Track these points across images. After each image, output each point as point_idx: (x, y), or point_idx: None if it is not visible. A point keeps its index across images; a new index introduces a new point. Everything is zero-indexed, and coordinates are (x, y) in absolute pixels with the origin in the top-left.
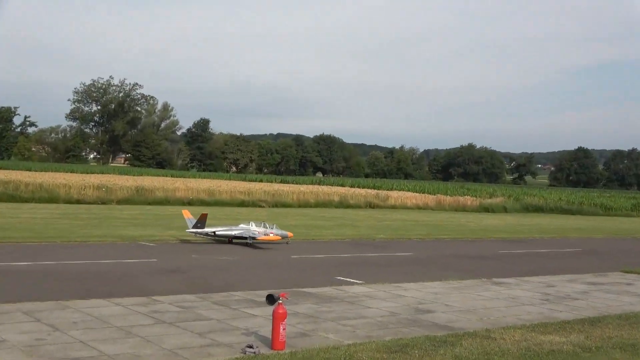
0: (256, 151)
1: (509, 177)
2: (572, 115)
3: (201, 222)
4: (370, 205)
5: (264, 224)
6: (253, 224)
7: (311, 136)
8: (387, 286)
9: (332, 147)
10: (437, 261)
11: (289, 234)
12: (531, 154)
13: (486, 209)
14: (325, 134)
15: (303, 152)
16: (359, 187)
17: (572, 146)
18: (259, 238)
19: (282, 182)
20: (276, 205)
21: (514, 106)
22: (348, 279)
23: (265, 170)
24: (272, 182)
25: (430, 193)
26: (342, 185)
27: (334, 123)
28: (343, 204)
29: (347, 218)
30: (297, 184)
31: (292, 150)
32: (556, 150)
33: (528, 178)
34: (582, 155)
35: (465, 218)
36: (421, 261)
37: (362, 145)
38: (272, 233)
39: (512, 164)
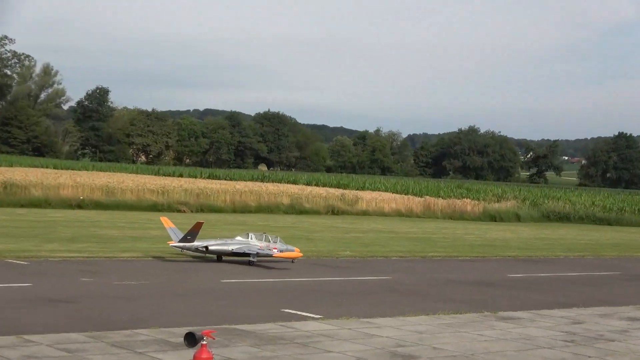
0: (175, 134)
1: (524, 174)
2: (611, 88)
3: (193, 233)
4: (333, 211)
5: (265, 235)
6: (253, 237)
7: (252, 114)
8: (353, 322)
9: (280, 129)
10: (423, 288)
11: (296, 250)
12: (555, 141)
13: (492, 217)
14: (271, 111)
15: (241, 135)
16: (317, 185)
17: (610, 132)
18: (276, 255)
19: (210, 177)
20: (202, 209)
21: (532, 75)
22: (300, 312)
23: (188, 160)
24: (196, 176)
25: (416, 194)
26: (295, 183)
27: (283, 96)
28: (295, 209)
29: (300, 228)
30: (231, 179)
31: (225, 133)
32: (589, 137)
33: (550, 175)
34: (623, 144)
35: (463, 229)
36: (401, 288)
37: (323, 127)
38: (275, 249)
39: (529, 156)
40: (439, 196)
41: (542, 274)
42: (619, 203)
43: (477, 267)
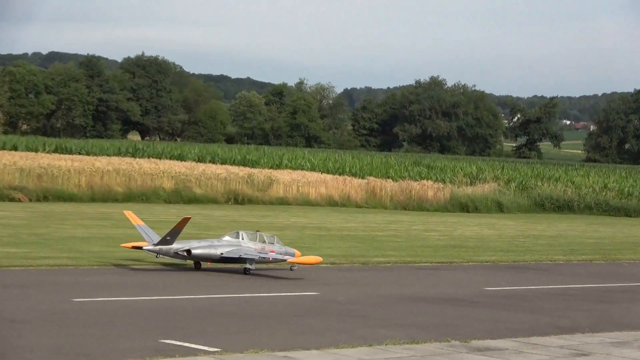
0: (4, 88)
1: (508, 145)
2: (631, 23)
3: (174, 233)
4: (237, 199)
5: (260, 235)
6: (245, 236)
7: (118, 60)
8: (264, 357)
9: (160, 82)
10: (364, 308)
11: (297, 253)
12: (552, 100)
13: (464, 207)
14: (146, 55)
15: (102, 91)
16: (214, 161)
17: (628, 86)
18: (291, 260)
19: (58, 150)
20: (45, 196)
21: (519, 5)
22: (187, 344)
23: (25, 126)
24: (37, 150)
25: (355, 174)
26: (182, 159)
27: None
28: (182, 196)
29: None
30: (89, 154)
31: (80, 87)
32: (599, 94)
33: (546, 146)
34: None
35: (423, 223)
36: (334, 308)
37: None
38: (272, 252)
39: (516, 119)
40: (388, 177)
41: (532, 287)
42: None
43: (441, 278)
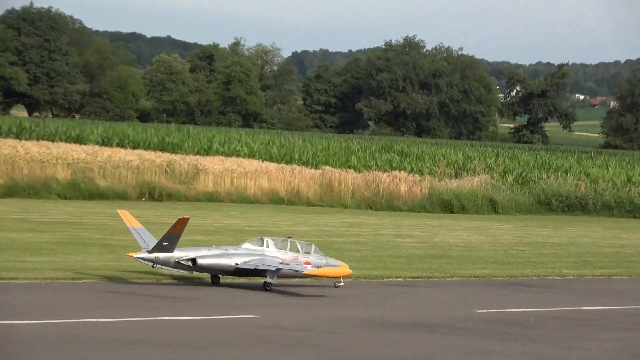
0: None
1: (504, 127)
2: None
3: (172, 237)
4: (153, 195)
5: (292, 242)
6: (270, 243)
7: None
8: None
9: (53, 40)
10: (318, 335)
11: (342, 264)
12: (561, 67)
13: (447, 206)
14: (35, 6)
15: None
16: (122, 146)
17: None
18: (310, 272)
19: None
20: None
21: None
22: None
23: None
24: None
25: (307, 163)
26: (80, 141)
27: None
28: (81, 190)
29: (87, 226)
30: None
31: None
32: (622, 61)
33: (553, 128)
34: None
35: (394, 227)
36: (278, 335)
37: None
38: (308, 264)
39: (515, 93)
40: (350, 167)
41: (535, 309)
42: None
43: (417, 297)
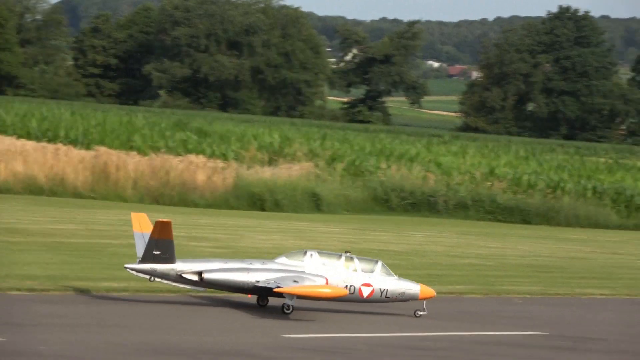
0: None
1: (336, 102)
2: None
3: (164, 244)
4: None
5: (347, 256)
6: (316, 256)
7: None
8: None
9: None
10: None
11: (422, 287)
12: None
13: (257, 200)
14: None
15: None
16: None
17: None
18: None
19: None
20: None
21: None
22: None
23: None
24: None
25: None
26: None
27: None
28: None
29: None
30: None
31: None
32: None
33: (397, 104)
34: None
35: (188, 226)
36: None
37: None
38: (367, 285)
39: (350, 57)
40: (132, 148)
41: (364, 334)
42: None
43: (213, 317)
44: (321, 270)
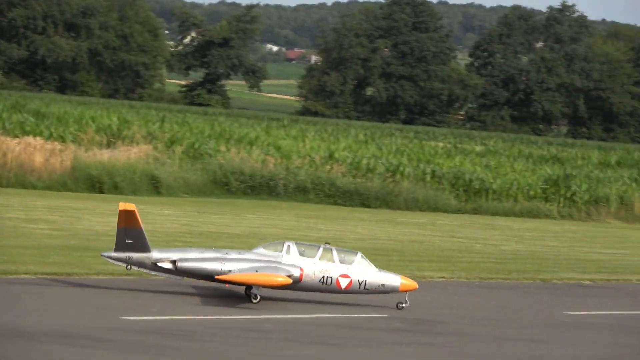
0: None
1: (174, 84)
2: None
3: (133, 232)
4: None
5: (325, 248)
6: (293, 249)
7: None
8: None
9: None
10: None
11: (403, 278)
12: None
13: (95, 182)
14: None
15: None
16: None
17: None
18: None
19: None
20: None
21: None
22: None
23: None
24: None
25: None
26: None
27: None
28: None
29: None
30: None
31: None
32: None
33: (236, 87)
34: None
35: (25, 208)
36: None
37: None
38: (345, 276)
39: (189, 40)
40: None
41: (209, 316)
42: None
43: (52, 299)
44: (298, 261)
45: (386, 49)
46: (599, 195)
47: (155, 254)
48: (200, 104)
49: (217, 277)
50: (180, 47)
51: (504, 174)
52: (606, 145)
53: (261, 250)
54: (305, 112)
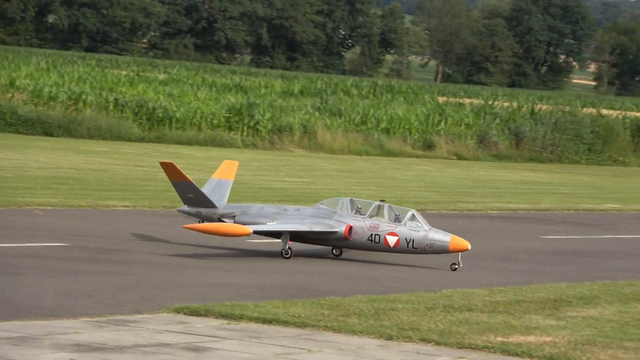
0: None
1: None
2: None
3: (188, 189)
4: None
5: (378, 205)
6: (346, 205)
7: None
8: None
9: None
10: None
11: (454, 237)
12: None
13: None
14: None
15: None
16: None
17: None
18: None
19: None
20: None
21: None
22: None
23: None
24: None
25: None
26: None
27: None
28: None
29: None
30: None
31: None
32: None
33: None
34: None
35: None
36: None
37: None
38: (392, 235)
39: None
40: None
41: None
42: None
43: None
44: (349, 219)
45: None
46: (283, 124)
47: (220, 211)
48: None
49: (184, 226)
50: None
51: (188, 103)
52: (289, 74)
53: (320, 206)
54: None
